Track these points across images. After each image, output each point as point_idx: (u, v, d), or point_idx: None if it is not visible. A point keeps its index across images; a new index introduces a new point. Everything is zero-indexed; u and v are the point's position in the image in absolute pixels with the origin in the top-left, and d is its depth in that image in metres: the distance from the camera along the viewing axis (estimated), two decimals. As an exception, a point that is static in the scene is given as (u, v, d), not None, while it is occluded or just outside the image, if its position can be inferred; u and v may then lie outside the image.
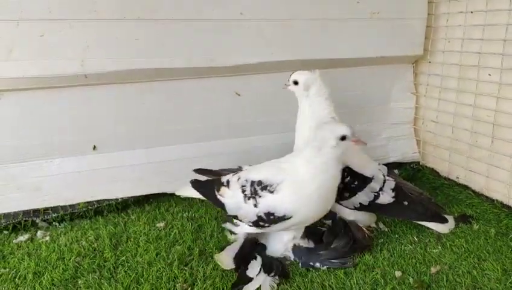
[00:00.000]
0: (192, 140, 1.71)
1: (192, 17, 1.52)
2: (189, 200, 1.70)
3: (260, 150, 1.77)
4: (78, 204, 1.57)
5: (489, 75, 1.54)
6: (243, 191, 1.17)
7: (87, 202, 1.58)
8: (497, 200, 1.56)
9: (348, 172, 1.29)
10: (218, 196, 1.23)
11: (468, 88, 1.63)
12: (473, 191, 1.66)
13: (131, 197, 1.65)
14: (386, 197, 1.30)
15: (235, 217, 1.24)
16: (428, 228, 1.38)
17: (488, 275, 1.18)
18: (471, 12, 1.59)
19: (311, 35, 1.70)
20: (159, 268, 1.22)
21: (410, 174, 1.95)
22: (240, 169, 1.33)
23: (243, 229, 1.28)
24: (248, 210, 1.16)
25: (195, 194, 1.33)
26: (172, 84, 1.62)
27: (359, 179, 1.30)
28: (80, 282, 1.17)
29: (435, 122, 1.84)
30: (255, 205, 1.15)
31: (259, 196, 1.14)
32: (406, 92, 1.97)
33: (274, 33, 1.64)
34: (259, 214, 1.15)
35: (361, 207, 1.31)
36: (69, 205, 1.56)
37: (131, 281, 1.16)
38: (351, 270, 1.20)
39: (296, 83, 1.35)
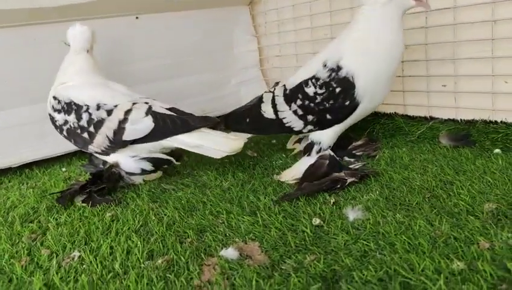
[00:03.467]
0: (21, 103, 1.43)
1: None
2: (27, 173, 1.42)
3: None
4: None
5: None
6: None
7: None
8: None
9: None
10: None
11: (303, 12, 1.68)
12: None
13: None
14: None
15: None
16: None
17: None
18: None
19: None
20: (-5, 231, 0.95)
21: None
22: None
23: None
24: None
25: None
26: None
27: None
28: None
29: (279, 57, 1.87)
30: None
31: None
32: (246, 35, 1.97)
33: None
34: None
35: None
36: None
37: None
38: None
39: None
